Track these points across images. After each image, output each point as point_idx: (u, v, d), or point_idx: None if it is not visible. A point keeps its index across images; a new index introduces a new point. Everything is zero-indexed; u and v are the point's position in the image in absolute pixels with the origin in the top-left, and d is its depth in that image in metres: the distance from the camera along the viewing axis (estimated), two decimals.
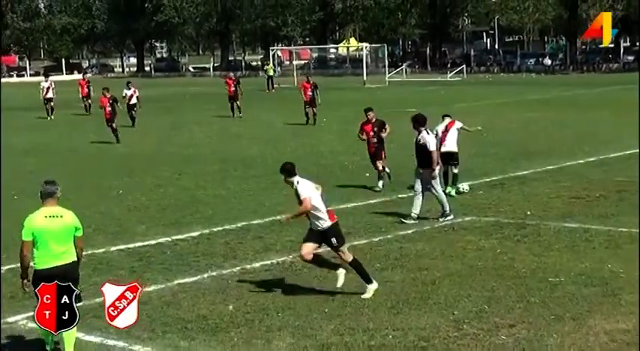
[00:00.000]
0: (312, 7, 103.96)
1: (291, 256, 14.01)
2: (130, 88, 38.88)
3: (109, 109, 31.73)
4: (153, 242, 15.43)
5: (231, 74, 44.90)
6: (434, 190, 16.42)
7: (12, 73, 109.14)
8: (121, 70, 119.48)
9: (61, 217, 9.60)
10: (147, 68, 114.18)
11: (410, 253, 14.11)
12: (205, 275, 13.16)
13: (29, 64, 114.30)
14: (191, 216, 17.62)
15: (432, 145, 16.36)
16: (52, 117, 43.52)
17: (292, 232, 15.75)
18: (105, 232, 16.41)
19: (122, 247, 15.10)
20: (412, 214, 16.24)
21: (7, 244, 15.11)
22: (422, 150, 16.43)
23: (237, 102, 41.04)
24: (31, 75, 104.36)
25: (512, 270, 12.86)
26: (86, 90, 45.71)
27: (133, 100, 38.55)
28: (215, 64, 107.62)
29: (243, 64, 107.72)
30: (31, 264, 9.56)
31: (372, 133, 20.20)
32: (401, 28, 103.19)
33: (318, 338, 10.22)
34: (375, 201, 18.79)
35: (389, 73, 74.68)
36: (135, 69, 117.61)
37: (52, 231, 9.48)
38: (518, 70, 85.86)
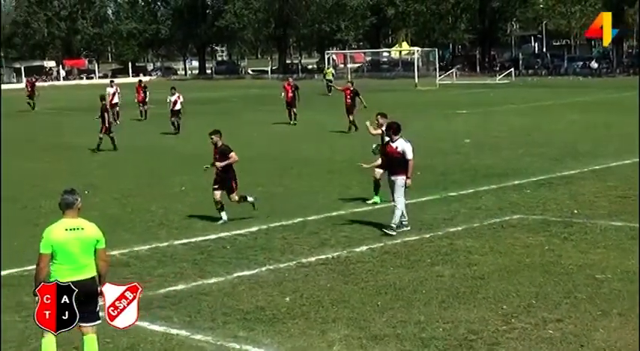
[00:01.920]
0: (365, 13, 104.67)
1: (345, 251, 14.33)
2: (173, 94, 37.44)
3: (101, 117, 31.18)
4: (213, 237, 15.80)
5: (290, 79, 42.84)
6: (396, 198, 15.72)
7: (82, 76, 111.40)
8: (183, 72, 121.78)
9: (82, 229, 9.02)
10: (208, 71, 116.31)
11: (459, 249, 14.29)
12: (263, 268, 13.47)
13: (98, 67, 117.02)
14: (250, 212, 17.84)
15: (409, 153, 15.75)
16: (118, 122, 41.37)
17: (347, 227, 16.19)
18: (168, 226, 16.96)
19: (185, 241, 15.51)
20: (393, 225, 15.64)
21: None
22: (397, 158, 15.81)
23: (294, 109, 39.36)
24: (99, 77, 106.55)
25: (559, 266, 12.96)
26: (142, 95, 44.82)
27: (177, 107, 37.14)
28: (273, 67, 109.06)
29: (299, 67, 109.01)
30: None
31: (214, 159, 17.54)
32: (451, 33, 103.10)
33: (371, 330, 10.39)
34: (426, 199, 18.91)
35: (439, 76, 74.83)
36: (197, 72, 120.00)
37: (74, 244, 8.92)
38: (565, 73, 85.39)
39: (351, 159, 25.91)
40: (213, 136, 17.59)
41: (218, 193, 17.18)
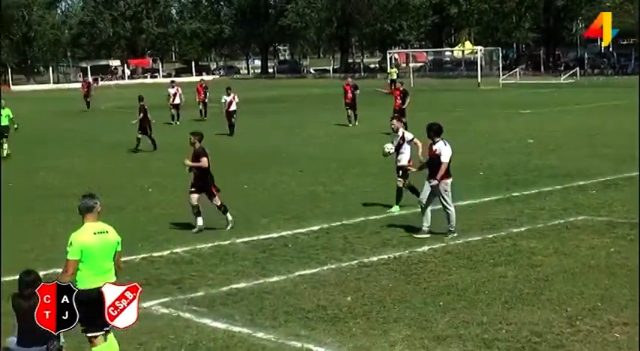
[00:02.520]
0: (427, 12, 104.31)
1: (407, 251, 14.29)
2: (229, 95, 36.49)
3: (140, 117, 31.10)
4: (275, 235, 15.85)
5: (349, 79, 41.04)
6: (443, 203, 15.33)
7: (146, 75, 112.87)
8: (246, 71, 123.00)
9: (107, 232, 9.04)
10: (270, 70, 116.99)
11: (523, 249, 14.15)
12: (325, 268, 13.48)
13: (162, 66, 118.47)
14: (311, 211, 17.94)
15: (445, 156, 15.19)
16: (178, 122, 41.50)
17: (409, 228, 16.08)
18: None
19: (247, 239, 15.58)
20: (423, 228, 15.42)
21: (147, 233, 16.02)
22: (436, 160, 15.33)
23: (355, 110, 37.93)
24: (163, 76, 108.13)
25: (625, 269, 12.76)
26: (202, 95, 43.89)
27: (233, 107, 36.06)
28: (335, 67, 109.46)
29: (361, 66, 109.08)
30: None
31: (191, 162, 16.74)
32: (515, 32, 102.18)
33: (433, 330, 10.35)
34: (488, 199, 18.84)
35: (503, 75, 74.22)
36: (259, 71, 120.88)
37: (102, 248, 8.92)
38: (632, 72, 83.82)
39: (413, 157, 25.89)
40: (192, 137, 16.80)
41: (195, 197, 16.43)
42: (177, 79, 60.19)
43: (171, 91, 43.08)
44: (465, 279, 12.53)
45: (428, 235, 15.26)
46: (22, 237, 16.30)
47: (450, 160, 15.33)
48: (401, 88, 33.96)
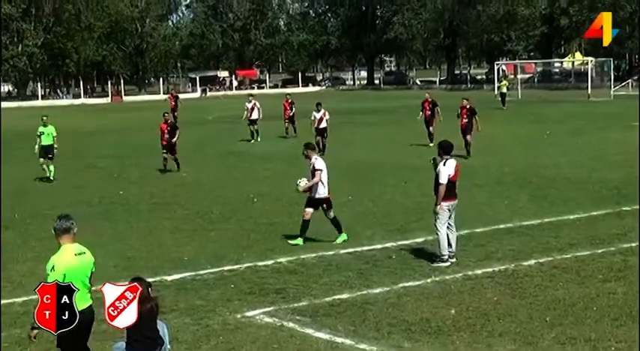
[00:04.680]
0: (536, 23, 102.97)
1: (512, 265, 14.10)
2: (319, 111, 33.47)
3: (166, 136, 28.53)
4: (379, 246, 15.81)
5: (427, 95, 35.92)
6: (435, 224, 14.54)
7: (253, 86, 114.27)
8: (352, 82, 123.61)
9: (85, 253, 8.89)
10: (376, 81, 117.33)
11: (633, 266, 13.78)
12: (429, 280, 13.39)
13: (269, 77, 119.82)
14: (416, 222, 17.79)
15: (442, 177, 14.35)
16: (258, 139, 38.77)
17: (514, 241, 15.95)
18: (335, 235, 16.75)
19: (350, 250, 15.58)
20: (442, 256, 14.40)
21: (252, 242, 16.16)
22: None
23: (431, 127, 34.15)
24: (270, 87, 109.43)
25: None
26: (289, 111, 39.72)
27: (323, 124, 33.21)
28: (441, 78, 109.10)
29: (468, 77, 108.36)
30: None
31: None
32: (628, 42, 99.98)
33: (539, 346, 10.19)
34: (598, 213, 18.46)
35: (614, 87, 72.73)
36: (365, 82, 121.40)
37: (83, 269, 8.77)
38: None
39: (521, 171, 25.53)
40: None
41: None
42: (286, 90, 59.99)
43: (248, 105, 39.85)
44: (572, 294, 12.29)
45: (447, 263, 14.26)
46: (131, 244, 16.65)
47: (451, 181, 14.51)
48: (468, 106, 31.13)
